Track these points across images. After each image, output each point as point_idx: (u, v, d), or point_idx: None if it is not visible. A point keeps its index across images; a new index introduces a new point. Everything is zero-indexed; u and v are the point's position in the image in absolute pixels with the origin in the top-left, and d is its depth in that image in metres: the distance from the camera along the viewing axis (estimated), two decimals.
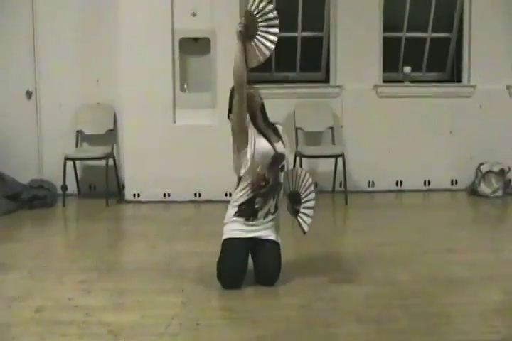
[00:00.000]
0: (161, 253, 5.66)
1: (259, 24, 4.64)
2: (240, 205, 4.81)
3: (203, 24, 7.83)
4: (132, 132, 7.82)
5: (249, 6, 4.64)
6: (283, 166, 4.82)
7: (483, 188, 8.07)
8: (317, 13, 8.51)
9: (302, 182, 4.97)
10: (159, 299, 4.52)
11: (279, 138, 4.86)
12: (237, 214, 4.82)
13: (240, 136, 4.73)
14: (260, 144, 4.73)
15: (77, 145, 8.17)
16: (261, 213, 4.78)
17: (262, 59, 4.69)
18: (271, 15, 4.65)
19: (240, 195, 4.82)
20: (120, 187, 8.10)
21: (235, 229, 4.82)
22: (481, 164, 8.17)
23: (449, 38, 8.73)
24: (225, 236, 4.83)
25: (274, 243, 4.85)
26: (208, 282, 4.77)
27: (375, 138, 8.27)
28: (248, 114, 4.75)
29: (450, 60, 8.79)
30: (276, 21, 4.65)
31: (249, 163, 4.71)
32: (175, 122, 7.87)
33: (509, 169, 8.11)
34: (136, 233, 6.68)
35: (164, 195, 7.83)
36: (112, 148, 8.07)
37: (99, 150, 7.95)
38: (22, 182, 7.80)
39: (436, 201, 8.13)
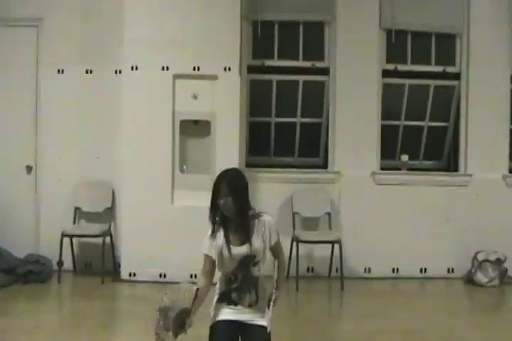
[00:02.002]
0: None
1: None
2: (220, 294, 4.81)
3: (203, 107, 7.95)
4: (130, 211, 7.84)
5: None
6: (256, 262, 4.76)
7: (480, 277, 8.04)
8: (317, 100, 8.63)
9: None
10: None
11: (248, 238, 4.76)
12: (219, 300, 4.81)
13: None
14: (224, 255, 4.73)
15: (74, 222, 8.18)
16: (241, 305, 4.75)
17: None
18: None
19: (219, 285, 4.83)
20: (116, 266, 8.04)
21: (219, 313, 4.78)
22: (478, 252, 8.16)
23: (446, 127, 8.85)
24: (210, 323, 4.80)
25: (263, 328, 4.77)
26: None
27: (372, 224, 8.28)
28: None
29: (447, 148, 8.89)
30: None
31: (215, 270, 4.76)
32: (173, 203, 7.90)
33: (505, 258, 8.10)
34: (130, 313, 6.62)
35: (160, 275, 7.78)
36: (110, 226, 8.06)
37: (96, 228, 7.95)
38: (18, 257, 7.78)
39: (433, 289, 8.09)
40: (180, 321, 4.56)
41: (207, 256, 4.79)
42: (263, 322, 4.75)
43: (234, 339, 4.70)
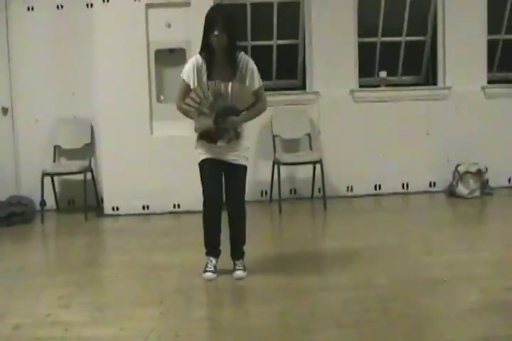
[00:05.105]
0: (140, 266, 5.63)
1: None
2: (200, 134, 4.92)
3: (178, 35, 7.80)
4: (109, 145, 7.79)
5: None
6: None
7: (461, 189, 8.07)
8: (292, 21, 8.51)
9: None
10: (138, 311, 4.51)
11: (231, 79, 4.96)
12: (200, 138, 5.00)
13: None
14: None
15: (54, 160, 8.12)
16: (221, 141, 4.89)
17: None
18: None
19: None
20: (99, 201, 8.03)
21: (204, 151, 5.03)
22: (458, 165, 8.18)
23: (423, 42, 8.74)
24: (199, 160, 5.07)
25: (242, 167, 5.07)
26: (187, 293, 4.78)
27: (352, 143, 8.26)
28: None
29: (425, 63, 8.82)
30: None
31: None
32: (152, 134, 7.85)
33: (486, 169, 8.12)
34: (115, 246, 6.67)
35: (143, 207, 7.79)
36: (90, 162, 8.00)
37: (76, 165, 7.89)
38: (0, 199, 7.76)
39: (415, 203, 8.13)
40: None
41: (185, 84, 4.89)
42: (241, 161, 5.06)
43: (219, 175, 5.08)
